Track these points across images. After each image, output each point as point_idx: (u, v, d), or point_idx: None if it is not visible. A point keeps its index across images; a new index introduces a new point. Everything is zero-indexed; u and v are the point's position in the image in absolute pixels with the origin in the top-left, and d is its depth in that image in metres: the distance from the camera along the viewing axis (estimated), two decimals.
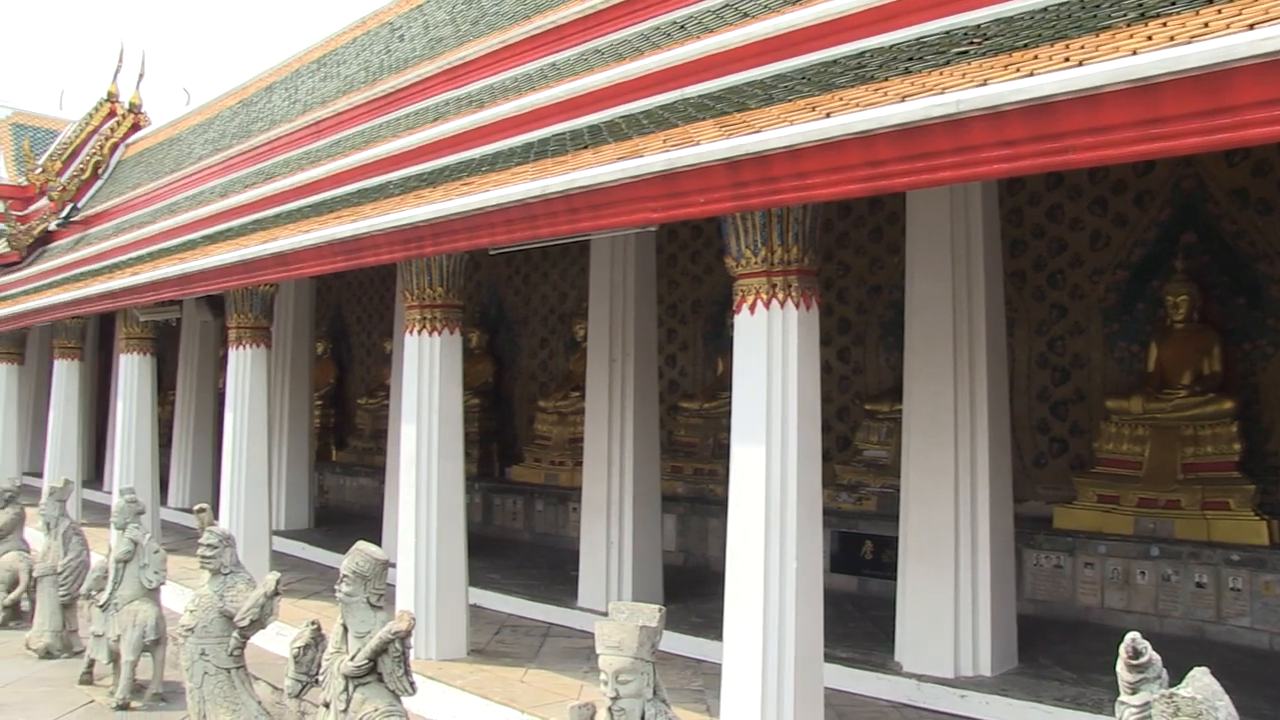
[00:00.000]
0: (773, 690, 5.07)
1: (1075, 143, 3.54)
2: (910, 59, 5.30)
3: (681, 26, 8.54)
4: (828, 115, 4.22)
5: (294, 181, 12.16)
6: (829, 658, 5.63)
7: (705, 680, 6.68)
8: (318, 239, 7.44)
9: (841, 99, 4.66)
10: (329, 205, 10.11)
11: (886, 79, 4.88)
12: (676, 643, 7.18)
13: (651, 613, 3.63)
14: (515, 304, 13.31)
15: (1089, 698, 5.97)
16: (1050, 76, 3.50)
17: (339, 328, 16.49)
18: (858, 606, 8.35)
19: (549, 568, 10.18)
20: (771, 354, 5.26)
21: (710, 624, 7.35)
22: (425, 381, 7.52)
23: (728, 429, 6.02)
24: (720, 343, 10.64)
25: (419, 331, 7.59)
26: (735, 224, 5.42)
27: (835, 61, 6.38)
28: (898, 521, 6.84)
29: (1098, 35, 4.07)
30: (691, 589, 8.98)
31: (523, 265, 12.95)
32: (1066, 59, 3.68)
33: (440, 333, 7.54)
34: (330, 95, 14.46)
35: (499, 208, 5.80)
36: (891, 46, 6.10)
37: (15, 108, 25.81)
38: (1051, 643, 7.18)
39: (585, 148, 6.63)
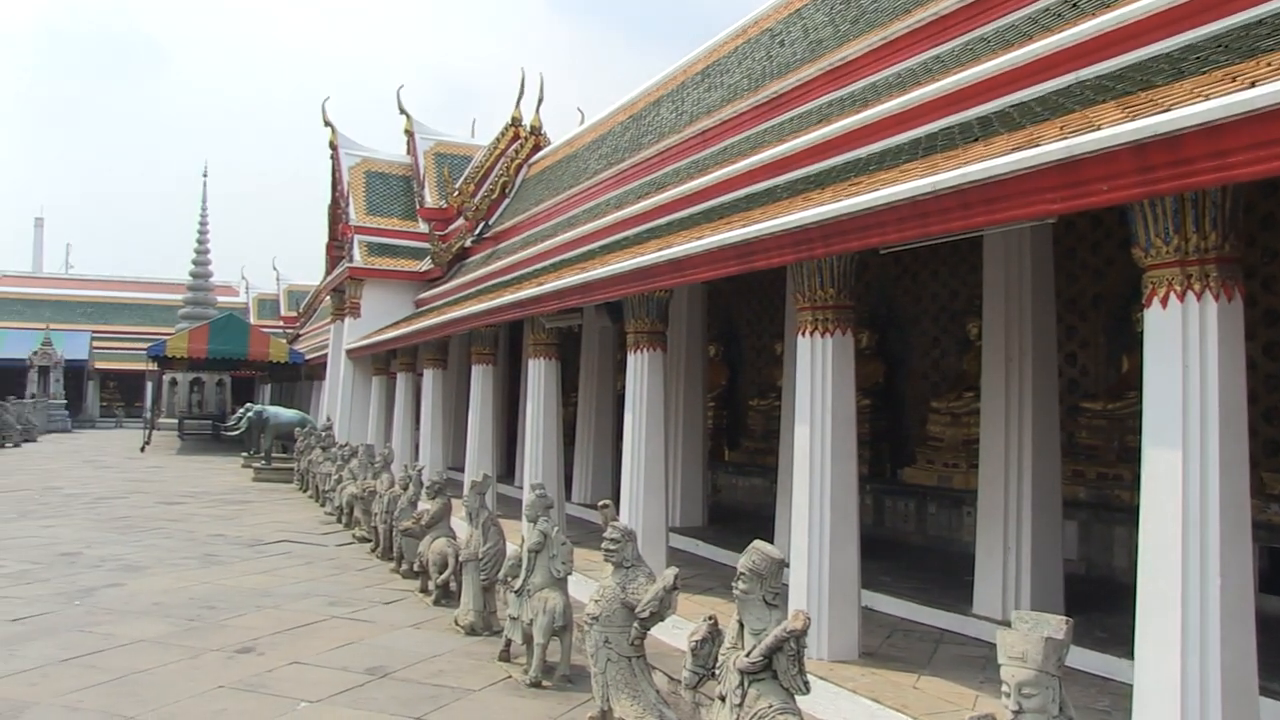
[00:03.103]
0: None
1: None
2: None
3: (1074, 4, 8.08)
4: (1252, 84, 3.84)
5: (684, 190, 12.61)
6: (1264, 690, 5.06)
7: (1112, 700, 6.26)
8: (709, 244, 7.65)
9: (1270, 64, 4.22)
10: (719, 211, 10.39)
11: None
12: (1080, 658, 6.77)
13: (1058, 624, 3.45)
14: (905, 303, 13.08)
15: None
16: None
17: (730, 330, 16.87)
18: None
19: (941, 572, 9.93)
20: (1187, 351, 4.85)
21: (1116, 640, 6.89)
22: (817, 382, 7.54)
23: (1134, 431, 5.61)
24: (1125, 339, 9.93)
25: (811, 333, 7.63)
26: (1142, 211, 5.06)
27: (1260, 22, 5.79)
28: None
29: None
30: (1095, 601, 8.46)
31: (911, 264, 12.70)
32: None
33: (832, 334, 7.54)
34: (715, 104, 14.85)
35: (888, 206, 5.72)
36: None
37: (436, 138, 28.44)
38: None
39: (975, 140, 6.42)
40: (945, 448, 11.74)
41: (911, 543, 11.76)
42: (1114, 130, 4.31)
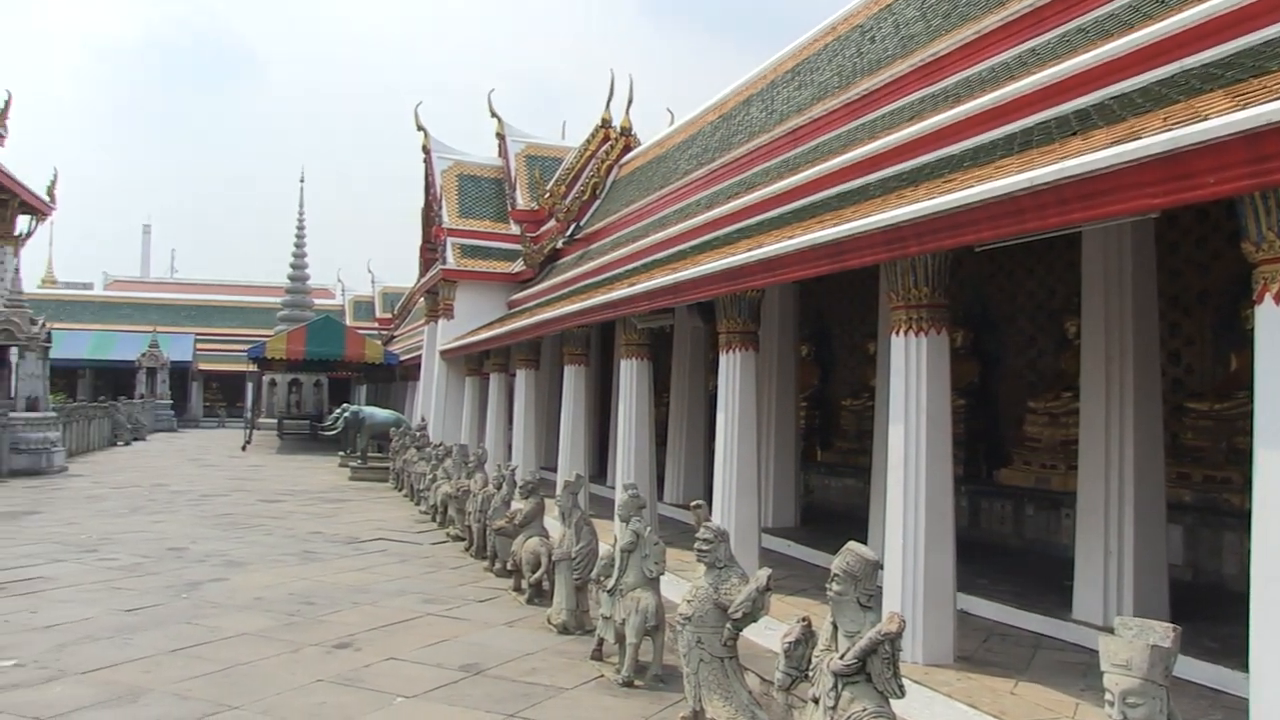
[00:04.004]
0: None
1: None
2: None
3: None
4: None
5: (774, 189, 12.55)
6: None
7: (1226, 714, 6.05)
8: (801, 244, 7.60)
9: None
10: (810, 210, 10.32)
11: None
12: (1188, 668, 6.56)
13: (1164, 631, 3.34)
14: (1000, 301, 12.85)
15: None
16: None
17: (822, 330, 16.74)
18: None
19: (1039, 575, 9.73)
20: None
21: (1228, 651, 6.68)
22: (912, 382, 7.43)
23: (1244, 432, 5.43)
24: (1233, 336, 9.61)
25: (904, 332, 7.52)
26: (1253, 204, 4.88)
27: None
28: None
29: None
30: (1203, 609, 8.19)
31: (1006, 261, 12.47)
32: None
33: (926, 333, 7.42)
34: (805, 103, 14.75)
35: (983, 203, 5.62)
36: None
37: (527, 140, 28.63)
38: None
39: (1073, 134, 6.28)
40: (1043, 448, 11.51)
41: (1008, 545, 11.54)
42: (1223, 120, 4.18)
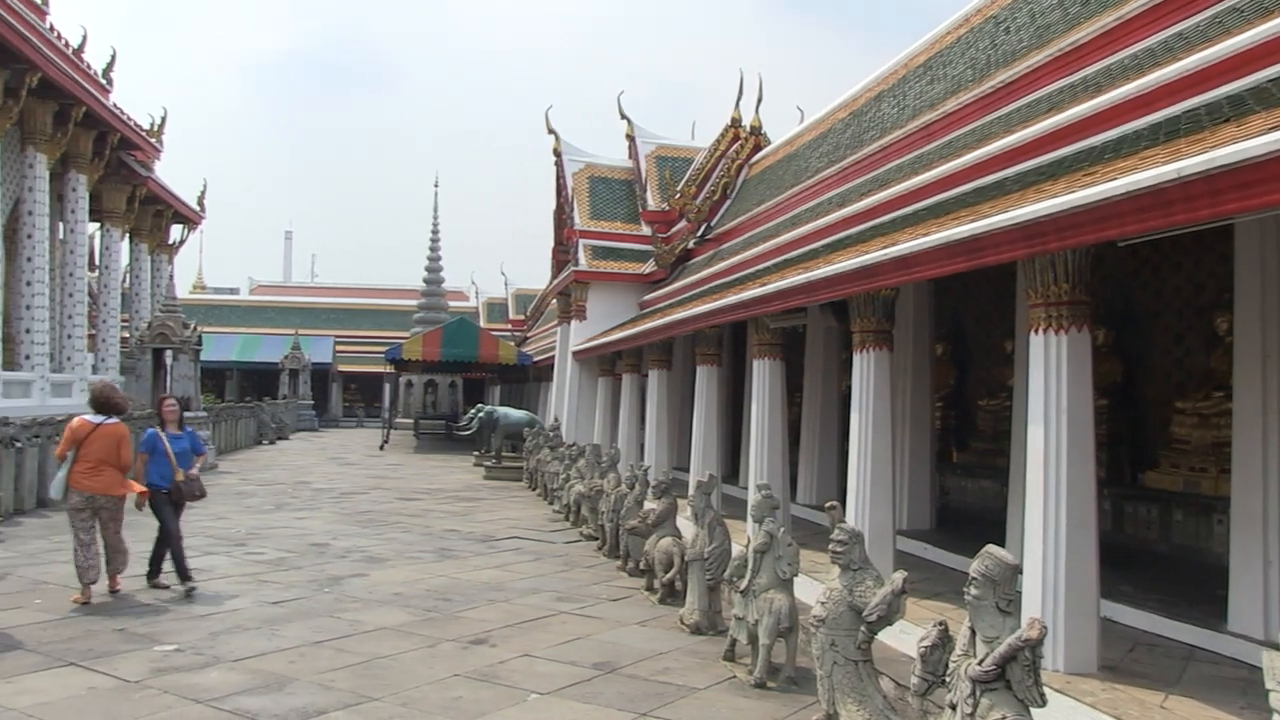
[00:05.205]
0: None
1: None
2: None
3: None
4: None
5: (907, 186, 12.34)
6: None
7: None
8: (936, 241, 7.46)
9: None
10: (945, 206, 10.12)
11: None
12: None
13: None
14: (1144, 297, 12.38)
15: None
16: None
17: (957, 328, 16.39)
18: None
19: (1188, 583, 9.35)
20: None
21: None
22: (1052, 382, 7.22)
23: None
24: None
25: (1044, 330, 7.31)
26: None
27: None
28: None
29: None
30: None
31: (1151, 255, 12.01)
32: None
33: (1067, 331, 7.20)
34: (938, 97, 14.47)
35: (1127, 196, 5.43)
36: None
37: (657, 141, 28.77)
38: None
39: (1226, 121, 6.02)
40: (1192, 451, 11.05)
41: (1155, 551, 11.11)
42: None
